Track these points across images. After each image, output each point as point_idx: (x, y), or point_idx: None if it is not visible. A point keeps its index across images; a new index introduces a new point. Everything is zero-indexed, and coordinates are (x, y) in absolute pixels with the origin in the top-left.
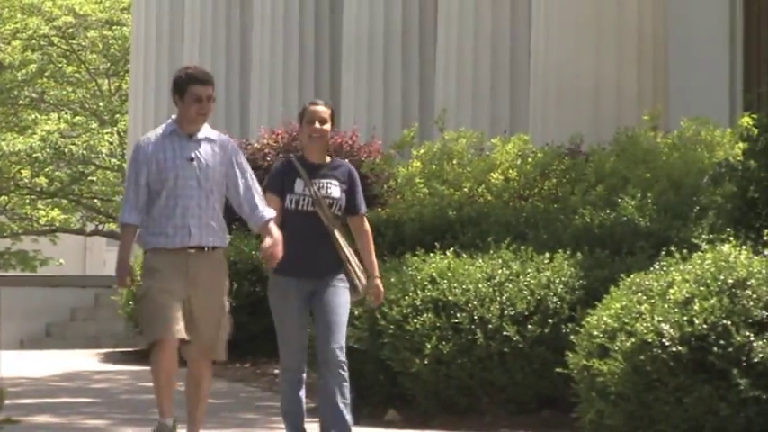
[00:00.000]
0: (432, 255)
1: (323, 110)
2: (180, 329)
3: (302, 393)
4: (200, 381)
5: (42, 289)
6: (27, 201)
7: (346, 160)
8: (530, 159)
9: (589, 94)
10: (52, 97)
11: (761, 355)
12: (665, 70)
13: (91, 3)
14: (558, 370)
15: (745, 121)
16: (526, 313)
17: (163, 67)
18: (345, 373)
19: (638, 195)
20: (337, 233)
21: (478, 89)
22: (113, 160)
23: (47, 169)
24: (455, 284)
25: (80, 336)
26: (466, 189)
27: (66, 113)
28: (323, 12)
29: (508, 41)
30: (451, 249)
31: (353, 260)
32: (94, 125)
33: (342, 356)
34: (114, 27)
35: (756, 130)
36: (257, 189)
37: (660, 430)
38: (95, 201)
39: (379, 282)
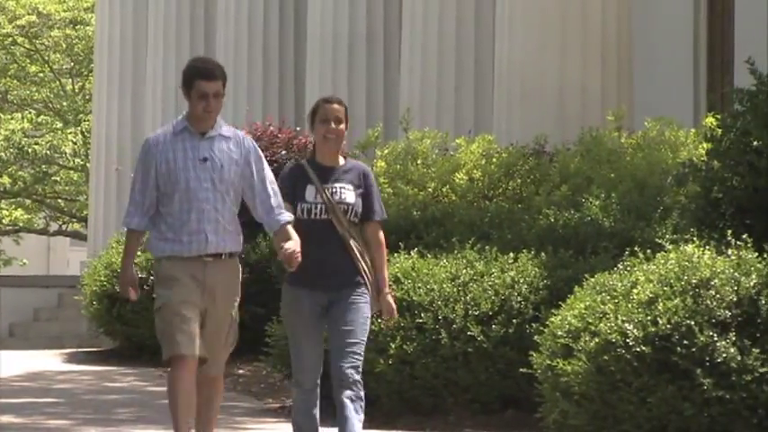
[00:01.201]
0: (396, 255)
1: (338, 108)
2: (200, 346)
3: (316, 411)
4: (211, 396)
5: (5, 289)
6: None
7: (358, 161)
8: (494, 159)
9: (553, 95)
10: (15, 97)
11: (724, 355)
12: (630, 71)
13: (54, 2)
14: (522, 370)
15: (709, 121)
16: (490, 313)
17: (127, 67)
18: (361, 392)
19: (603, 195)
20: (353, 243)
21: (443, 89)
22: (77, 160)
23: (10, 169)
24: (419, 284)
25: (43, 336)
26: (430, 189)
27: (29, 113)
28: (287, 13)
29: (472, 42)
30: (416, 249)
31: (369, 273)
32: (58, 125)
33: (357, 376)
34: (78, 26)
35: (720, 131)
36: (275, 190)
37: (624, 430)
38: (59, 201)
39: (390, 298)
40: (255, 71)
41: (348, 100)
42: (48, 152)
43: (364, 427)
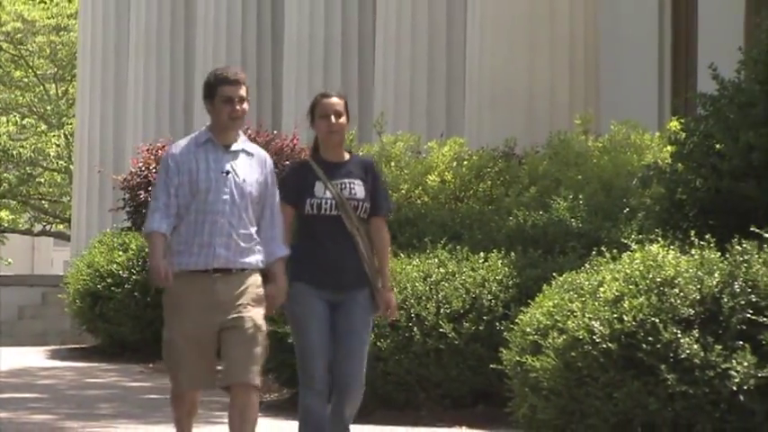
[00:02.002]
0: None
1: (337, 101)
2: (205, 378)
3: (328, 412)
4: (244, 410)
5: None
6: None
7: (363, 155)
8: (465, 162)
9: (522, 99)
10: (1, 101)
11: (688, 352)
12: (597, 76)
13: (38, 9)
14: (492, 366)
15: (673, 125)
16: (462, 311)
17: (109, 72)
18: (358, 401)
19: (570, 197)
20: (362, 242)
21: (415, 94)
22: (60, 162)
23: None
24: (393, 283)
25: (28, 333)
26: (403, 191)
27: (14, 116)
28: (264, 18)
29: (444, 47)
30: (389, 249)
31: (375, 276)
32: (42, 128)
33: (358, 385)
34: (61, 33)
35: (684, 134)
36: (279, 221)
37: (591, 424)
38: (43, 202)
39: (391, 295)
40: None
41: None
42: (32, 155)
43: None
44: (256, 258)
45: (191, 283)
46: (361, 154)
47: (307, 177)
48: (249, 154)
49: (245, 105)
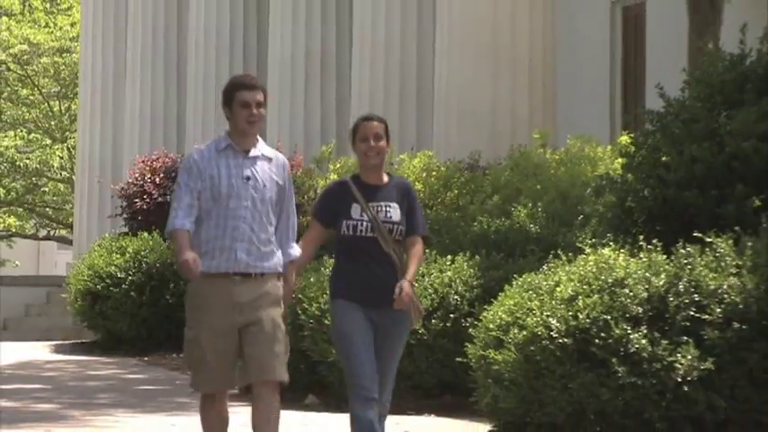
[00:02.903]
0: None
1: (377, 124)
2: (229, 379)
3: (376, 418)
4: (267, 410)
5: (0, 288)
6: None
7: (401, 178)
8: (434, 173)
9: (486, 116)
10: (9, 117)
11: (636, 346)
12: (554, 94)
13: (43, 33)
14: (458, 359)
15: (624, 139)
16: (430, 309)
17: (107, 91)
18: (385, 418)
19: (530, 205)
20: (398, 261)
21: (389, 109)
22: (63, 173)
23: (4, 181)
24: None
25: (33, 329)
26: None
27: (21, 131)
28: (251, 39)
29: (415, 68)
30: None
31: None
32: (47, 142)
33: (387, 403)
34: (64, 54)
35: (633, 148)
36: (294, 223)
37: (548, 413)
38: (47, 209)
39: (407, 284)
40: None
41: (304, 118)
42: (37, 166)
43: (318, 411)
44: (275, 263)
45: (212, 285)
46: (393, 174)
47: (345, 199)
48: (268, 158)
49: (263, 110)
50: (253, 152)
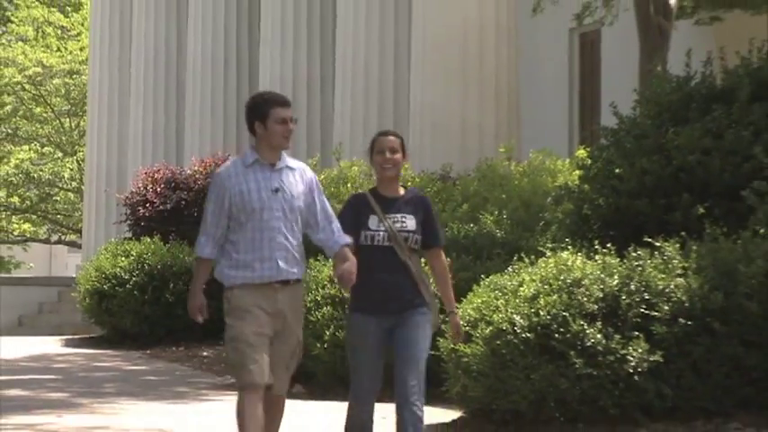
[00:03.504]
0: (330, 260)
1: (393, 139)
2: (268, 373)
3: (371, 425)
4: (275, 415)
5: (16, 287)
6: (3, 216)
7: (417, 191)
8: (409, 183)
9: (457, 131)
10: (24, 132)
11: (592, 341)
12: (518, 112)
13: (55, 56)
14: (431, 352)
15: (581, 153)
16: None
17: (113, 109)
18: (420, 412)
19: (496, 212)
20: (413, 267)
21: (368, 126)
22: (73, 183)
23: (20, 191)
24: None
25: (46, 325)
26: None
27: (35, 146)
28: (243, 64)
29: (392, 88)
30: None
31: (429, 292)
32: (58, 155)
33: (417, 395)
34: (74, 76)
35: (589, 161)
36: (333, 215)
37: (512, 400)
38: (59, 216)
39: (457, 318)
40: (217, 111)
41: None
42: (50, 177)
43: (305, 399)
44: (301, 269)
45: (255, 292)
46: (410, 186)
47: (363, 211)
48: (292, 169)
49: (294, 126)
50: (278, 165)
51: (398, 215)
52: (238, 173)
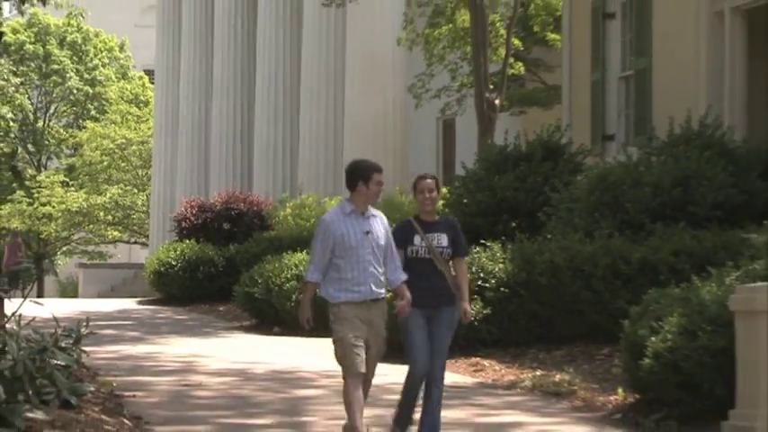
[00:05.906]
0: (296, 253)
1: (430, 182)
2: (364, 365)
3: (420, 395)
4: (367, 389)
5: (109, 269)
6: (102, 227)
7: (448, 216)
8: None
9: None
10: (115, 178)
11: None
12: (407, 164)
13: (133, 132)
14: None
15: (444, 191)
16: None
17: (167, 164)
18: (442, 387)
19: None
20: (447, 273)
21: (318, 174)
22: (144, 207)
23: (112, 212)
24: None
25: (127, 292)
26: (311, 221)
27: (121, 185)
28: (243, 126)
29: (332, 146)
30: (304, 252)
31: (458, 292)
32: (135, 191)
33: (442, 374)
34: (144, 143)
35: (449, 195)
36: (396, 254)
37: None
38: (134, 227)
39: (467, 305)
40: (230, 163)
41: (273, 173)
42: (129, 204)
43: (282, 336)
44: (384, 289)
45: (355, 308)
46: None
47: (409, 231)
48: (375, 216)
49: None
50: (366, 214)
51: (435, 234)
52: (339, 219)
